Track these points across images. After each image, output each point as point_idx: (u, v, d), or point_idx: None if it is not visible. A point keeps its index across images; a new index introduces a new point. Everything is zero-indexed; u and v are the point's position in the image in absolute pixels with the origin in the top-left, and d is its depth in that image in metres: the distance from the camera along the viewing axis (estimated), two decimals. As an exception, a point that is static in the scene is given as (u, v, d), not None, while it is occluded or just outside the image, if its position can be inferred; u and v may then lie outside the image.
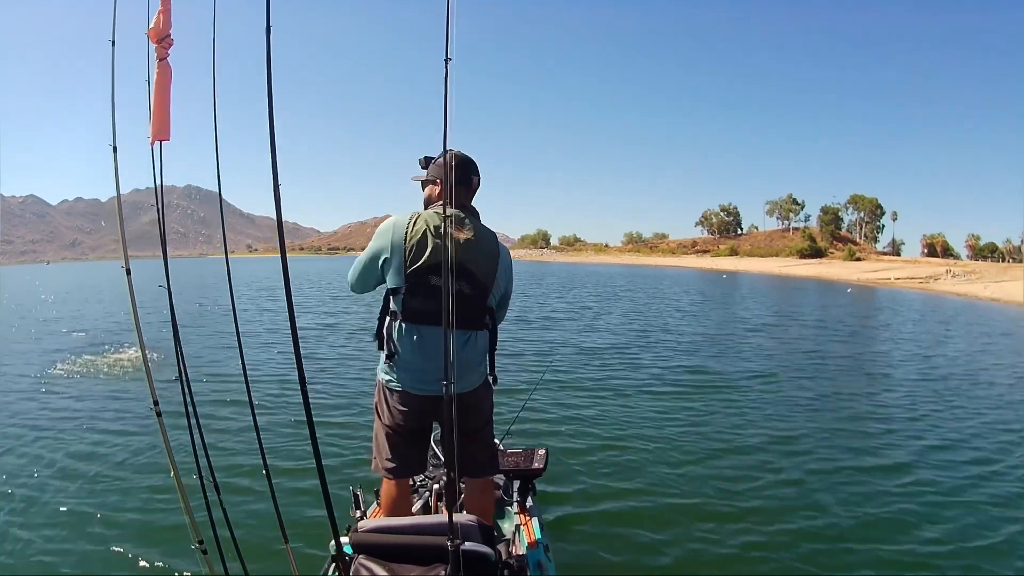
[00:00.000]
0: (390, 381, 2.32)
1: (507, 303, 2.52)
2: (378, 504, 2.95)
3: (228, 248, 2.61)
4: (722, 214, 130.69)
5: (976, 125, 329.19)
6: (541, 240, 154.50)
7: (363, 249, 2.40)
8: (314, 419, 1.70)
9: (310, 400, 1.62)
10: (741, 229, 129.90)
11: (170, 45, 2.29)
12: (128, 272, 2.01)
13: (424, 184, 2.46)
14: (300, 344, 1.59)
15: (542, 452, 3.25)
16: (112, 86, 2.07)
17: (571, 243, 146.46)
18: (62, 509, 4.37)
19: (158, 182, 2.32)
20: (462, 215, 2.28)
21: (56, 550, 3.66)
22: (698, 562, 3.27)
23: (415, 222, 2.25)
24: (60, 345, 11.29)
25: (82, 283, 37.09)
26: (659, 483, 4.28)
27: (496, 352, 2.44)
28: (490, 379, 2.44)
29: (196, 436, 2.20)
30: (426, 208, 2.39)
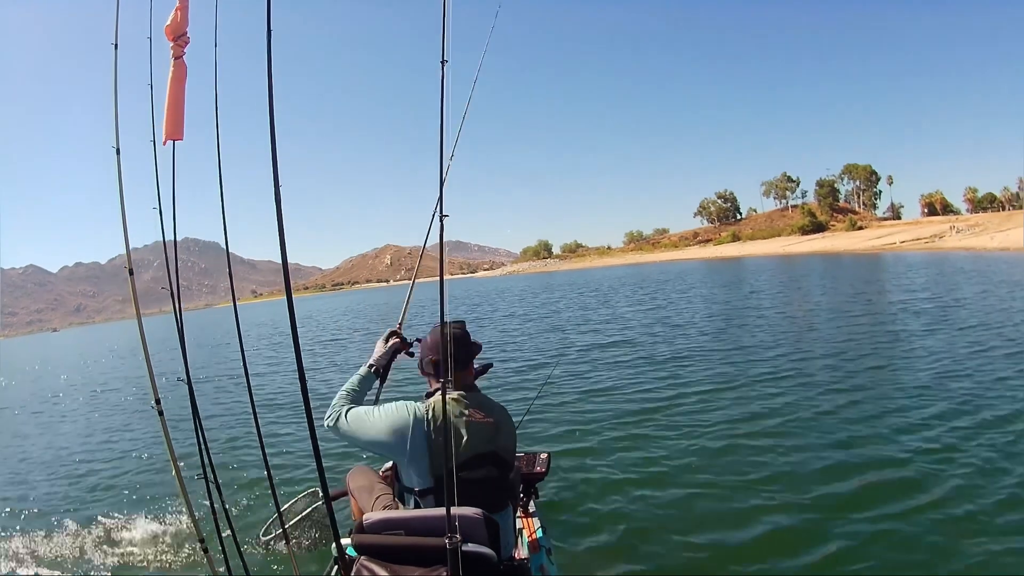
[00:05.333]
0: None
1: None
2: None
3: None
4: (719, 201, 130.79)
5: (960, 74, 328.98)
6: (543, 250, 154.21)
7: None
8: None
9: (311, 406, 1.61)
10: (740, 214, 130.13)
11: (186, 43, 2.27)
12: (131, 272, 2.01)
13: (422, 369, 2.28)
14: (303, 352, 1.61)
15: (544, 456, 3.26)
16: (115, 88, 2.08)
17: (573, 250, 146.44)
18: (64, 508, 4.43)
19: (160, 182, 2.29)
20: (479, 397, 2.17)
21: (58, 549, 3.72)
22: (701, 566, 3.15)
23: (432, 410, 2.04)
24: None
25: (96, 347, 35.90)
26: (662, 487, 4.12)
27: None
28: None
29: (200, 438, 2.18)
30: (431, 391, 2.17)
